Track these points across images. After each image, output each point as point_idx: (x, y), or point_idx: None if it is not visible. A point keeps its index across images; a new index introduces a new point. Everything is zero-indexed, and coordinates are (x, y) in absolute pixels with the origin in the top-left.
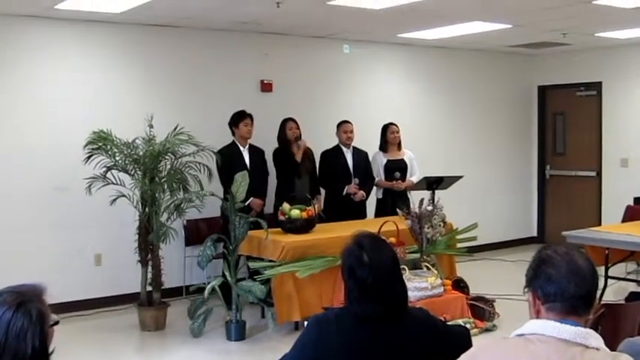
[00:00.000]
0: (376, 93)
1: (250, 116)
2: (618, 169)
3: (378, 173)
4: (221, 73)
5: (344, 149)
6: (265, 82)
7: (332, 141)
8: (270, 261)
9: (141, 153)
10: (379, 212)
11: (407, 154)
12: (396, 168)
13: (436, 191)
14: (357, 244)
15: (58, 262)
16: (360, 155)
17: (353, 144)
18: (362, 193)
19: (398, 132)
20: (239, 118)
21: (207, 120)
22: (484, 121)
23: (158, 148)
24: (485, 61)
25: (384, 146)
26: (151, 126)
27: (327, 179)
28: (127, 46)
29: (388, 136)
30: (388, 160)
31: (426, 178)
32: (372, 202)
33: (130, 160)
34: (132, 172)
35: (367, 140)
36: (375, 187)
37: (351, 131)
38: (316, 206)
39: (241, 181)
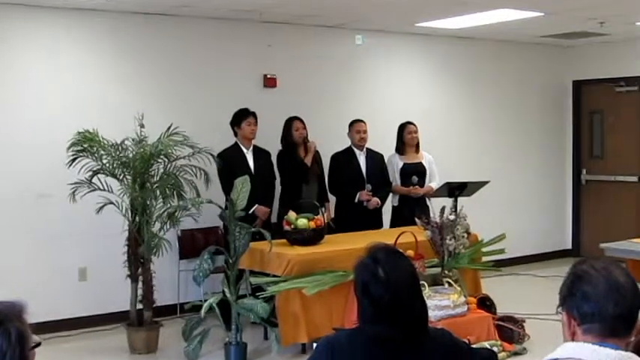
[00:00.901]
0: (392, 89)
1: (254, 115)
2: None
3: (394, 178)
4: (220, 66)
5: (357, 151)
6: (269, 76)
7: (343, 142)
8: (275, 276)
9: (130, 155)
10: (395, 222)
11: (426, 157)
12: (414, 172)
13: (459, 198)
14: (372, 258)
15: (38, 277)
16: (374, 158)
17: (367, 145)
18: (376, 200)
19: (416, 132)
20: (241, 117)
21: (205, 119)
22: (513, 121)
23: (150, 150)
24: (514, 54)
25: (400, 148)
26: (141, 125)
27: (337, 185)
28: (115, 36)
29: (405, 137)
30: (405, 164)
31: (447, 184)
32: (387, 211)
33: (118, 163)
34: (120, 177)
35: (382, 141)
36: (390, 194)
37: (365, 131)
38: (325, 215)
39: (242, 187)
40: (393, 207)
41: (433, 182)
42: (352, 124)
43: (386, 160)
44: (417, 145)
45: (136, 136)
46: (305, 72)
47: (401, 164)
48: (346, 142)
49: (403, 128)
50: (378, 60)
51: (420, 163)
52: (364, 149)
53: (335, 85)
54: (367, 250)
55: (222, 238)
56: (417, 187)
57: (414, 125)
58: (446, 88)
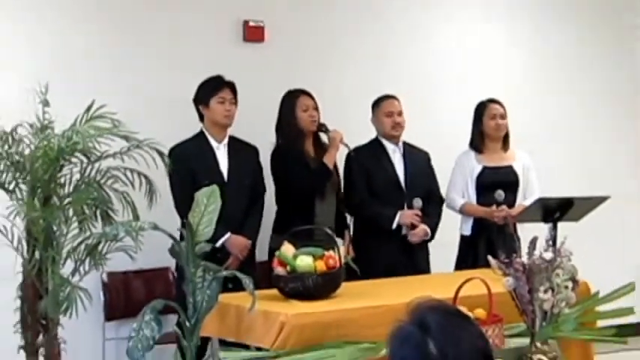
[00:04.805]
0: (452, 42)
1: (231, 86)
2: None
3: (466, 190)
4: (176, 9)
5: (388, 146)
6: (252, 24)
7: (362, 132)
8: (259, 349)
9: (27, 152)
10: (463, 261)
11: (519, 159)
12: (500, 182)
13: (560, 224)
14: (418, 324)
15: None
16: (415, 158)
17: (405, 138)
18: (424, 229)
19: (504, 117)
20: (211, 91)
21: (149, 94)
22: None
23: (58, 144)
24: None
25: (478, 142)
26: (45, 103)
27: (360, 200)
28: None
29: (486, 125)
30: (485, 168)
31: (541, 202)
32: (449, 242)
33: (7, 164)
34: (11, 187)
35: (432, 133)
36: (460, 216)
37: (400, 113)
38: (342, 250)
39: (207, 204)
40: (463, 237)
41: (530, 199)
42: (378, 102)
43: (455, 161)
44: (506, 139)
45: (35, 120)
46: (310, 16)
47: (479, 168)
48: (372, 132)
49: (483, 110)
50: None
51: (510, 167)
52: (400, 142)
53: (357, 38)
54: (410, 310)
55: (174, 288)
56: (503, 206)
57: (501, 105)
58: (551, 44)
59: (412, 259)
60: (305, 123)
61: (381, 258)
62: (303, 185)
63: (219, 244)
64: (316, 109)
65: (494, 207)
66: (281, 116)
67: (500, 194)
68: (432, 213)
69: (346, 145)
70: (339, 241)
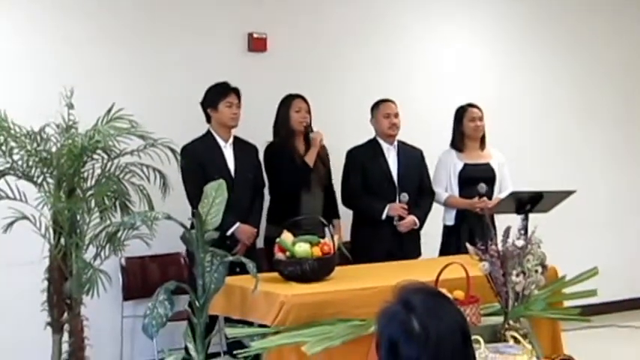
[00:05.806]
0: (436, 53)
1: (236, 92)
2: None
3: (449, 185)
4: (187, 22)
5: (384, 145)
6: (256, 36)
7: (361, 134)
8: (262, 326)
9: (54, 149)
10: (447, 248)
11: (495, 157)
12: (480, 177)
13: (530, 215)
14: (403, 304)
15: None
16: (409, 155)
17: (399, 137)
18: (412, 219)
19: (482, 119)
20: (219, 96)
21: (162, 98)
22: (618, 101)
23: (82, 142)
24: None
25: (458, 142)
26: (70, 106)
27: (355, 193)
28: None
29: (466, 126)
30: (466, 165)
31: (514, 195)
32: (433, 233)
33: (36, 160)
34: (39, 180)
35: (420, 134)
36: (443, 208)
37: (396, 115)
38: (336, 238)
39: (215, 196)
40: (446, 227)
41: (505, 193)
42: (377, 105)
43: (438, 159)
44: (483, 139)
45: (61, 121)
46: (306, 29)
47: (460, 165)
48: (365, 134)
49: (463, 113)
50: (414, 9)
51: (488, 164)
52: (395, 142)
53: (350, 47)
54: (396, 291)
55: (185, 271)
56: (484, 198)
57: (479, 109)
58: (526, 54)
59: (403, 247)
60: (295, 122)
61: (375, 245)
62: (287, 179)
63: (229, 232)
64: (309, 112)
65: (476, 199)
66: (277, 116)
67: (482, 187)
68: (422, 204)
69: (323, 146)
70: (327, 229)
